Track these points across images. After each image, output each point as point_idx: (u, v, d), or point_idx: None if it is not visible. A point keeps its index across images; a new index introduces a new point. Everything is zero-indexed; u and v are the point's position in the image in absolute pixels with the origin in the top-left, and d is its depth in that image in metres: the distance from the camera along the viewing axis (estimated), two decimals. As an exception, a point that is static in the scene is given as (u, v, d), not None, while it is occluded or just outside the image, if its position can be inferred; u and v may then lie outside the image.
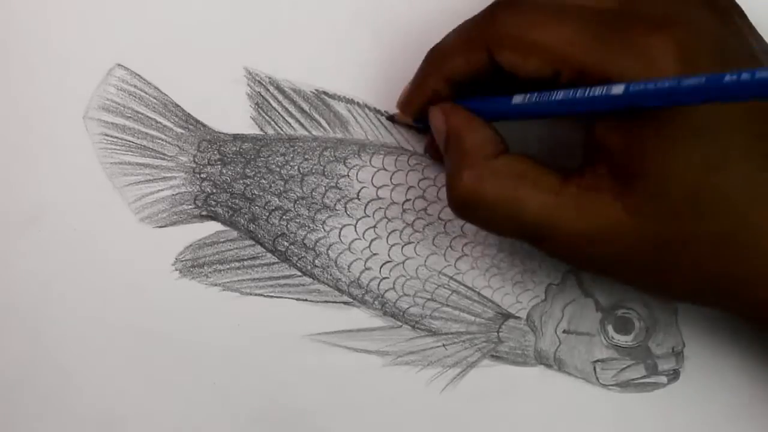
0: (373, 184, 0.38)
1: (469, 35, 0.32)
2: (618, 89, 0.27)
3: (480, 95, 0.32)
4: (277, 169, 0.38)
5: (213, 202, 0.38)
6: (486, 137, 0.31)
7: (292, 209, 0.38)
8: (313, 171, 0.38)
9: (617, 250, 0.29)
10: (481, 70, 0.31)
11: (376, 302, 0.37)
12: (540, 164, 0.31)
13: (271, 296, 0.38)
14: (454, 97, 0.33)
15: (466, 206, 0.31)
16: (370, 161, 0.38)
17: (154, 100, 0.38)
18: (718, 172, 0.28)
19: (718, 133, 0.28)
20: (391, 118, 0.37)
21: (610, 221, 0.29)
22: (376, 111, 0.38)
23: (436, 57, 0.33)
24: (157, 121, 0.38)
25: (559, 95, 0.29)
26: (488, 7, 0.31)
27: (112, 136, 0.38)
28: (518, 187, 0.30)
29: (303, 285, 0.38)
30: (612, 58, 0.28)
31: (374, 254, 0.38)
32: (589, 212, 0.29)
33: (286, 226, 0.38)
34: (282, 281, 0.38)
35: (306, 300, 0.38)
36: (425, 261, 0.37)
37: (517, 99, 0.31)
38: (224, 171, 0.38)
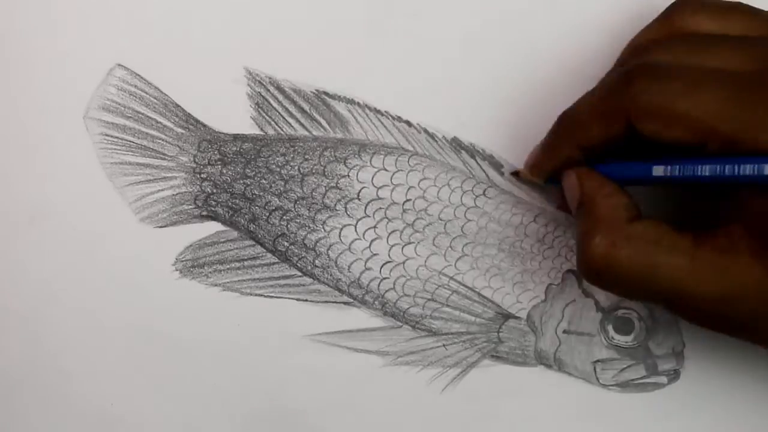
0: (373, 184, 0.38)
1: (605, 104, 0.31)
2: None
3: (613, 157, 0.32)
4: (278, 170, 0.38)
5: (213, 202, 0.38)
6: (620, 203, 0.31)
7: (293, 209, 0.38)
8: (314, 171, 0.38)
9: (755, 308, 0.29)
10: (617, 138, 0.31)
11: (376, 302, 0.37)
12: (673, 228, 0.30)
13: (271, 296, 0.38)
14: (586, 160, 0.33)
15: (599, 272, 0.30)
16: (370, 161, 0.38)
17: (155, 100, 0.38)
18: None
19: None
20: (515, 174, 0.37)
21: (748, 282, 0.29)
22: (376, 111, 0.38)
23: (570, 124, 0.32)
24: (157, 121, 0.38)
25: (706, 170, 0.29)
26: (623, 73, 0.31)
27: (112, 136, 0.38)
28: (653, 253, 0.30)
29: (303, 285, 0.38)
30: (763, 126, 0.28)
31: (374, 254, 0.38)
32: (725, 274, 0.29)
33: (287, 226, 0.38)
34: (282, 281, 0.38)
35: (306, 300, 0.38)
36: (425, 261, 0.37)
37: (658, 170, 0.31)
38: (224, 171, 0.38)
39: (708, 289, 0.29)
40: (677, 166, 0.30)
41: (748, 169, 0.28)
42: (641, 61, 0.31)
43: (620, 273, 0.30)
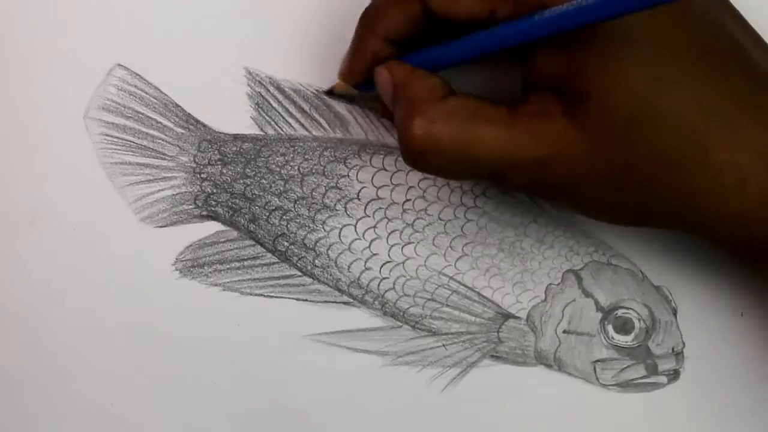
0: (373, 184, 0.38)
1: None
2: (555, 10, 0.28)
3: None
4: (278, 169, 0.38)
5: (213, 202, 0.38)
6: (433, 83, 0.31)
7: (293, 209, 0.38)
8: (314, 171, 0.38)
9: (572, 173, 0.30)
10: (416, 22, 0.32)
11: (376, 302, 0.38)
12: (485, 100, 0.31)
13: (271, 296, 0.38)
14: (396, 56, 0.33)
15: (422, 153, 0.30)
16: (370, 161, 0.38)
17: (155, 100, 0.38)
18: (661, 89, 0.28)
19: (661, 50, 0.29)
20: (329, 93, 0.37)
21: (563, 143, 0.29)
22: (377, 111, 0.38)
23: (370, 17, 0.33)
24: (157, 121, 0.38)
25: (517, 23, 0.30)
26: None
27: (112, 136, 0.38)
28: (472, 125, 0.30)
29: (303, 285, 0.38)
30: None
31: (374, 254, 0.38)
32: (542, 138, 0.29)
33: (287, 226, 0.38)
34: (282, 281, 0.38)
35: (306, 300, 0.38)
36: (425, 261, 0.37)
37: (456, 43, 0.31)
38: (224, 171, 0.38)
39: (527, 155, 0.30)
40: (481, 32, 0.31)
41: (534, 17, 0.29)
42: None
43: (442, 150, 0.30)
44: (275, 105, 0.38)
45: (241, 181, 0.38)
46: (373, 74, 0.33)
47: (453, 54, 0.31)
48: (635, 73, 0.28)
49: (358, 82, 0.34)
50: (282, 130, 0.38)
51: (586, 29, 0.28)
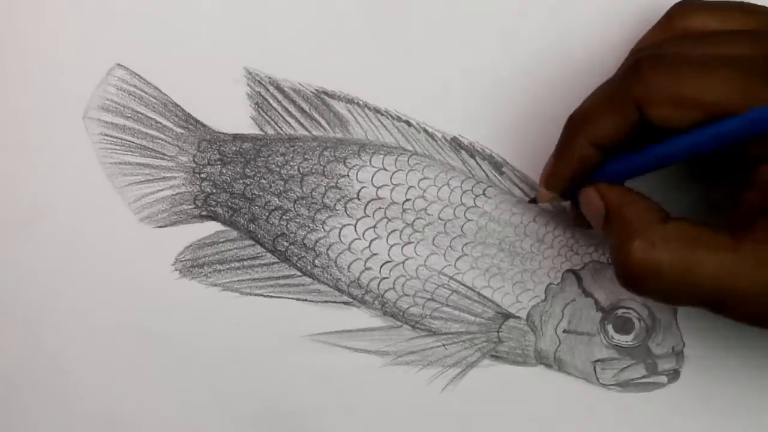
0: (373, 184, 0.38)
1: (615, 95, 0.31)
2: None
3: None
4: (277, 169, 0.38)
5: (213, 202, 0.38)
6: (648, 206, 0.31)
7: (292, 209, 0.38)
8: (313, 171, 0.38)
9: None
10: (630, 130, 0.31)
11: (376, 302, 0.37)
12: (705, 226, 0.30)
13: (271, 296, 0.38)
14: (602, 165, 0.32)
15: (641, 277, 0.30)
16: (370, 161, 0.38)
17: (154, 100, 0.38)
18: None
19: None
20: (533, 201, 0.36)
21: None
22: (376, 111, 0.38)
23: (580, 121, 0.32)
24: (157, 121, 0.38)
25: (725, 126, 0.29)
26: (631, 63, 0.31)
27: (111, 136, 0.38)
28: (693, 250, 0.29)
29: (303, 285, 0.38)
30: None
31: (374, 254, 0.38)
32: (762, 268, 0.29)
33: (286, 226, 0.38)
34: (282, 281, 0.38)
35: (306, 300, 0.38)
36: (425, 261, 0.37)
37: (676, 143, 0.30)
38: (224, 171, 0.38)
39: (755, 283, 0.29)
40: (692, 134, 0.30)
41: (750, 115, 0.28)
42: (649, 52, 0.31)
43: (662, 276, 0.29)
44: (275, 105, 0.38)
45: (241, 181, 0.38)
46: (576, 181, 0.32)
47: (663, 155, 0.31)
48: None
49: (563, 190, 0.33)
50: (282, 129, 0.38)
51: None
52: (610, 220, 0.31)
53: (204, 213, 0.38)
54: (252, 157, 0.38)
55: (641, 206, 0.31)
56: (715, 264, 0.29)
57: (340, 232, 0.38)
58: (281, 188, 0.38)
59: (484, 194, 0.38)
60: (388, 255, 0.38)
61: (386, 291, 0.37)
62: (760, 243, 0.29)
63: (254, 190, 0.38)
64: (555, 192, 0.33)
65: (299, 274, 0.38)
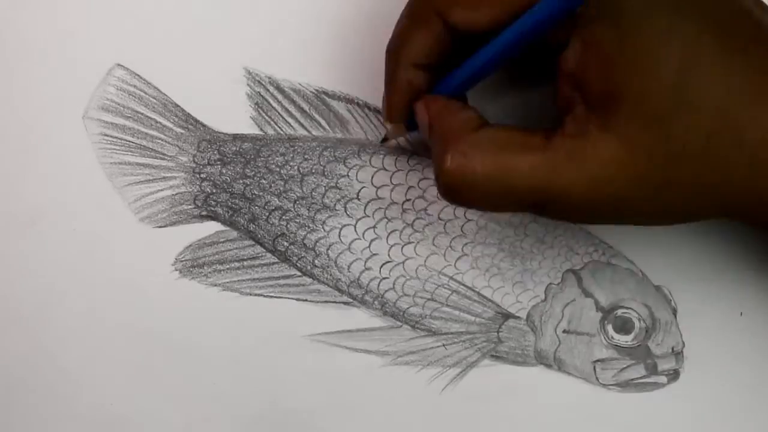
0: (372, 184, 0.38)
1: (417, 11, 0.31)
2: None
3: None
4: (277, 169, 0.38)
5: (213, 202, 0.38)
6: (465, 116, 0.31)
7: (292, 209, 0.38)
8: (313, 171, 0.38)
9: (619, 186, 0.29)
10: (442, 43, 0.31)
11: (376, 302, 0.37)
12: (520, 129, 0.30)
13: (271, 296, 0.38)
14: (432, 84, 0.33)
15: (458, 188, 0.30)
16: (369, 161, 0.38)
17: (154, 100, 0.38)
18: (690, 77, 0.28)
19: (684, 39, 0.28)
20: (384, 140, 0.37)
21: (603, 159, 0.28)
22: (376, 111, 0.38)
23: (395, 47, 0.32)
24: (156, 121, 0.38)
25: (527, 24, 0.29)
26: None
27: (111, 136, 0.38)
28: (505, 154, 0.29)
29: (303, 285, 0.38)
30: None
31: (374, 254, 0.38)
32: (580, 158, 0.29)
33: (286, 226, 0.38)
34: (282, 281, 0.38)
35: (306, 300, 0.38)
36: (425, 261, 0.37)
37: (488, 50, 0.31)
38: (224, 171, 0.38)
39: (568, 179, 0.29)
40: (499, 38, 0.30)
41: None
42: None
43: (478, 183, 0.29)
44: (275, 105, 0.38)
45: (241, 181, 0.38)
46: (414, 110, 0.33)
47: (478, 64, 0.31)
48: (662, 66, 0.28)
49: (403, 118, 0.34)
50: (282, 130, 0.38)
51: (616, 30, 0.28)
52: (431, 134, 0.31)
53: (204, 213, 0.38)
54: (252, 157, 0.38)
55: (458, 117, 0.31)
56: (528, 165, 0.29)
57: (340, 232, 0.38)
58: (281, 188, 0.38)
59: (484, 194, 0.38)
60: (388, 255, 0.38)
61: (386, 291, 0.37)
62: (569, 137, 0.29)
63: (254, 190, 0.38)
64: (396, 122, 0.34)
65: (299, 274, 0.38)
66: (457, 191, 0.30)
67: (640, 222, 0.31)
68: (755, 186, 0.29)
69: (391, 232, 0.38)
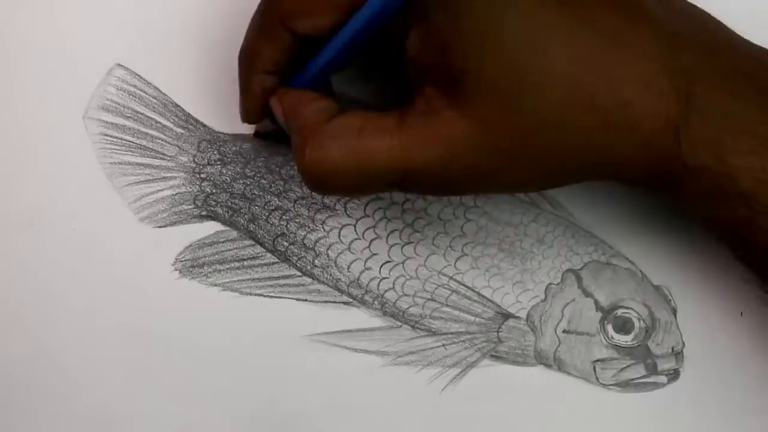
0: (372, 184, 0.38)
1: (264, 22, 0.32)
2: None
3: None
4: (277, 169, 0.38)
5: (213, 202, 0.38)
6: (319, 107, 0.31)
7: (292, 209, 0.38)
8: (313, 171, 0.38)
9: (473, 162, 0.29)
10: (291, 49, 0.32)
11: (375, 302, 0.37)
12: (375, 113, 0.31)
13: (271, 296, 0.38)
14: (285, 81, 0.33)
15: (319, 179, 0.30)
16: (369, 161, 0.38)
17: (154, 100, 0.38)
18: (534, 48, 0.28)
19: (525, 10, 0.28)
20: (257, 135, 0.38)
21: (455, 136, 0.29)
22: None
23: (246, 57, 0.33)
24: (156, 121, 0.38)
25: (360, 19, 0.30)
26: None
27: (111, 136, 0.38)
28: (360, 140, 0.30)
29: (303, 285, 0.38)
30: None
31: (374, 254, 0.38)
32: (432, 136, 0.29)
33: (286, 226, 0.38)
34: (282, 281, 0.38)
35: (306, 300, 0.38)
36: (425, 261, 0.37)
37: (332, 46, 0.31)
38: (224, 171, 0.38)
39: (425, 157, 0.29)
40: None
41: None
42: None
43: (338, 172, 0.30)
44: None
45: (241, 181, 0.38)
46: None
47: (323, 62, 0.31)
48: (504, 39, 0.28)
49: (260, 119, 0.34)
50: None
51: (449, 11, 0.28)
52: (289, 128, 0.32)
53: (204, 213, 0.38)
54: (252, 157, 0.38)
55: (312, 108, 0.31)
56: (384, 147, 0.29)
57: (340, 232, 0.38)
58: (281, 188, 0.38)
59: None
60: (388, 255, 0.38)
61: (386, 291, 0.37)
62: (421, 116, 0.29)
63: (254, 190, 0.38)
64: (253, 123, 0.35)
65: (299, 274, 0.38)
66: (319, 182, 0.31)
67: (502, 191, 0.33)
68: (611, 147, 0.29)
69: (391, 232, 0.38)
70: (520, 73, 0.28)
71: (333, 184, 0.31)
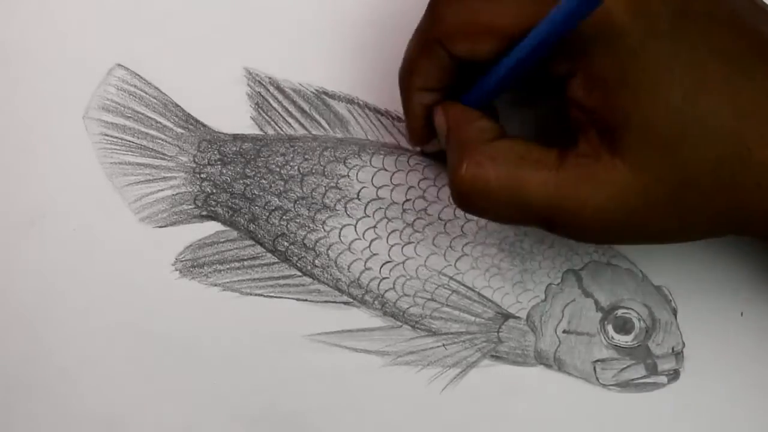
0: (373, 184, 0.38)
1: (422, 41, 0.32)
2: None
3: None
4: (277, 169, 0.38)
5: (213, 202, 0.38)
6: (482, 126, 0.31)
7: (292, 209, 0.38)
8: (313, 171, 0.38)
9: (629, 210, 0.29)
10: (449, 69, 0.32)
11: (376, 302, 0.37)
12: (538, 144, 0.30)
13: (271, 296, 0.38)
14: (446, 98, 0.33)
15: (470, 196, 0.30)
16: (370, 161, 0.38)
17: (154, 100, 0.38)
18: (697, 100, 0.28)
19: (690, 62, 0.28)
20: (422, 153, 0.38)
21: (614, 183, 0.29)
22: (376, 111, 0.38)
23: (406, 74, 0.33)
24: (157, 121, 0.38)
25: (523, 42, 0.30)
26: (428, 7, 0.32)
27: (112, 136, 0.38)
28: (519, 168, 0.30)
29: (303, 285, 0.38)
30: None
31: (374, 254, 0.38)
32: (591, 180, 0.29)
33: (286, 226, 0.38)
34: (282, 281, 0.38)
35: (306, 300, 0.38)
36: (425, 261, 0.37)
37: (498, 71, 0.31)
38: (224, 171, 0.38)
39: (579, 199, 0.29)
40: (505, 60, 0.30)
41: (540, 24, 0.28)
42: None
43: (490, 194, 0.30)
44: (275, 105, 0.38)
45: (241, 181, 0.38)
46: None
47: (493, 80, 0.31)
48: (669, 90, 0.28)
49: (424, 141, 0.34)
50: (282, 130, 0.38)
51: (616, 59, 0.28)
52: (448, 141, 0.32)
53: (204, 213, 0.38)
54: (252, 157, 0.38)
55: (476, 126, 0.31)
56: (541, 181, 0.29)
57: (340, 232, 0.38)
58: (281, 188, 0.38)
59: (484, 194, 0.38)
60: (389, 255, 0.38)
61: (386, 291, 0.37)
62: (581, 158, 0.29)
63: (254, 190, 0.38)
64: (419, 145, 0.35)
65: (299, 274, 0.38)
66: (469, 199, 0.31)
67: (648, 242, 0.32)
68: (763, 206, 0.29)
69: (392, 232, 0.38)
70: (685, 125, 0.28)
71: (481, 204, 0.30)
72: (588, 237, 0.31)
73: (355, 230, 0.38)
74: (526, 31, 0.29)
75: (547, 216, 0.30)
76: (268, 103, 0.38)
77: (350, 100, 0.38)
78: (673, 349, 0.37)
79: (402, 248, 0.38)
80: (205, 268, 0.38)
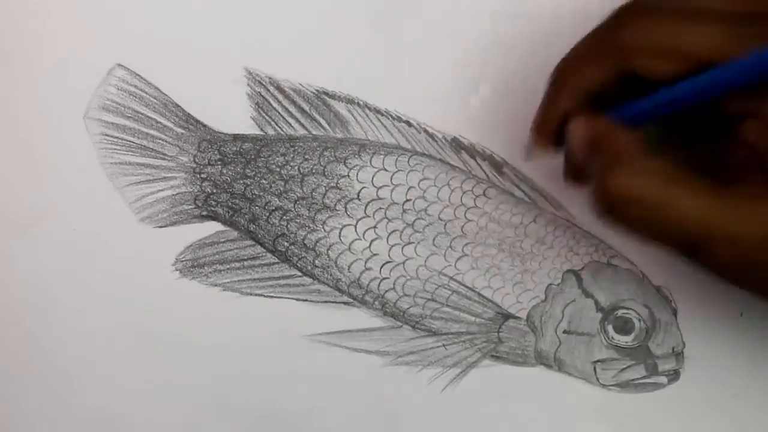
0: (373, 184, 0.38)
1: (600, 46, 0.31)
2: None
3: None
4: (278, 170, 0.38)
5: (213, 202, 0.38)
6: (635, 138, 0.31)
7: (293, 209, 0.38)
8: (314, 171, 0.38)
9: None
10: (612, 80, 0.31)
11: (376, 302, 0.37)
12: (690, 169, 0.30)
13: (271, 296, 0.38)
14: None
15: (617, 204, 0.29)
16: (370, 161, 0.38)
17: (154, 100, 0.38)
18: None
19: None
20: (528, 158, 0.36)
21: None
22: (377, 111, 0.38)
23: (567, 73, 0.32)
24: (157, 121, 0.38)
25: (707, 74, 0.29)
26: (613, 15, 0.31)
27: (112, 136, 0.38)
28: (675, 186, 0.29)
29: (303, 285, 0.38)
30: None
31: (374, 254, 0.38)
32: (753, 216, 0.28)
33: (287, 226, 0.38)
34: (282, 281, 0.38)
35: (306, 300, 0.38)
36: (425, 261, 0.37)
37: (664, 94, 0.30)
38: (224, 171, 0.38)
39: (735, 232, 0.28)
40: (682, 85, 0.29)
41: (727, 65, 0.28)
42: (633, 1, 0.31)
43: (643, 204, 0.29)
44: (275, 105, 0.38)
45: (241, 182, 0.38)
46: (563, 130, 0.32)
47: (649, 108, 0.31)
48: None
49: (550, 138, 0.33)
50: (282, 130, 0.38)
51: None
52: (596, 148, 0.31)
53: (204, 213, 0.38)
54: (252, 157, 0.38)
55: (628, 137, 0.31)
56: (696, 205, 0.29)
57: (340, 233, 0.38)
58: (282, 188, 0.38)
59: (484, 195, 0.38)
60: (389, 255, 0.38)
61: (386, 291, 0.37)
62: (745, 195, 0.29)
63: (254, 191, 0.38)
64: (544, 137, 0.34)
65: (299, 274, 0.38)
66: (614, 207, 0.30)
67: None
68: None
69: (392, 232, 0.38)
70: None
71: (626, 214, 0.30)
72: (731, 270, 0.30)
73: (356, 230, 0.38)
74: (722, 60, 0.28)
75: (695, 241, 0.29)
76: (269, 103, 0.38)
77: (350, 100, 0.38)
78: (673, 349, 0.37)
79: (402, 248, 0.38)
80: (206, 268, 0.38)
